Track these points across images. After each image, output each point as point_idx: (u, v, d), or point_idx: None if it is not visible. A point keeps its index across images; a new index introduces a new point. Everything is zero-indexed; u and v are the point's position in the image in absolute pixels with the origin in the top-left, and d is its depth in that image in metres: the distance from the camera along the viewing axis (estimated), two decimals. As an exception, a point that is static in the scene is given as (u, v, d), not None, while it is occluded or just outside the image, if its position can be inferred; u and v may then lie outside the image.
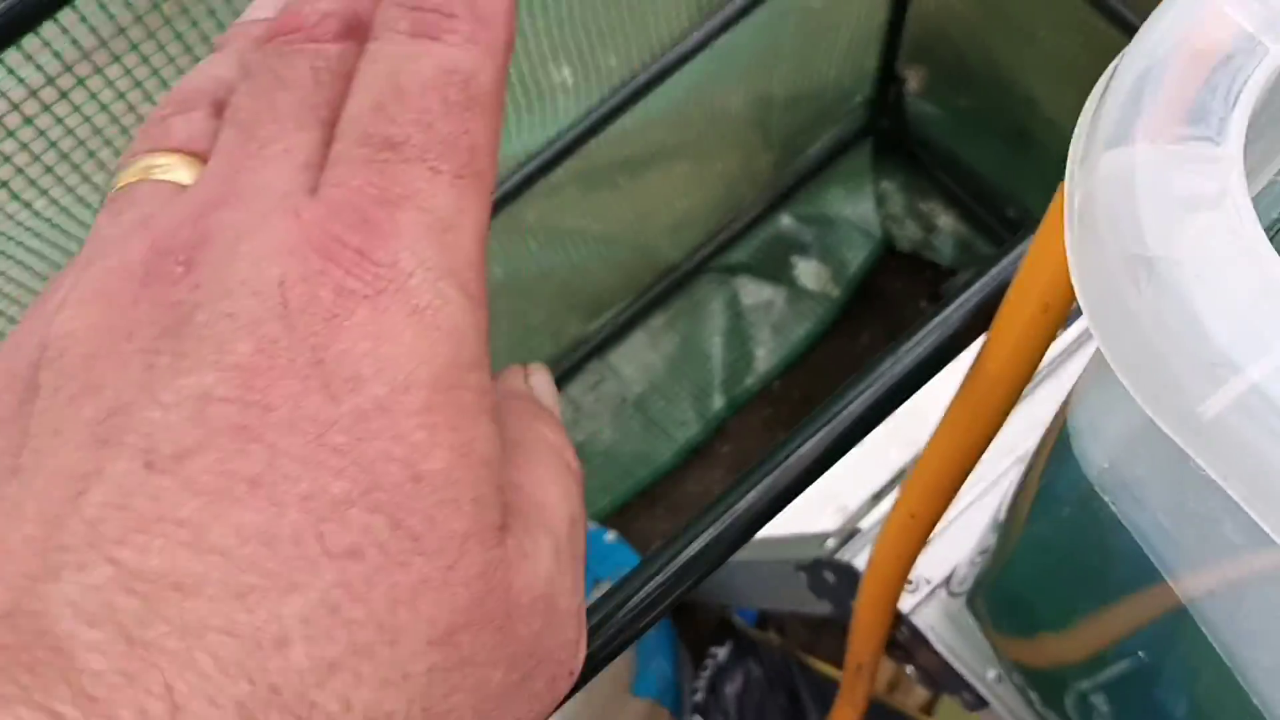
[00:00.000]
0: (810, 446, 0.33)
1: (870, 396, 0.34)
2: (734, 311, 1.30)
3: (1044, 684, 0.46)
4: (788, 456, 0.33)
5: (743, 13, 0.83)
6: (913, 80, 1.24)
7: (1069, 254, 0.18)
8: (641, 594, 0.32)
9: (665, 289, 1.29)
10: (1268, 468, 0.15)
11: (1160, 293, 0.16)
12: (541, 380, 0.25)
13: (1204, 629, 0.28)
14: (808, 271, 1.30)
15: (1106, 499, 0.27)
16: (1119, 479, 0.26)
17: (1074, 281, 0.17)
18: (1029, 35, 1.03)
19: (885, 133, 1.29)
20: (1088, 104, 0.18)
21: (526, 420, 0.23)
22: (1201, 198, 0.16)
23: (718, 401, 1.26)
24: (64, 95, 0.66)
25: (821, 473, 0.34)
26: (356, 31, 0.20)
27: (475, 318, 0.19)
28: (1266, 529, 0.15)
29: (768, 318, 1.30)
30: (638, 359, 1.29)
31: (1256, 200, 0.30)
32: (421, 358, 0.17)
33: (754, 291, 1.31)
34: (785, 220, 1.32)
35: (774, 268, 1.31)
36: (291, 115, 0.19)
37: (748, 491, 0.33)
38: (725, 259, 1.31)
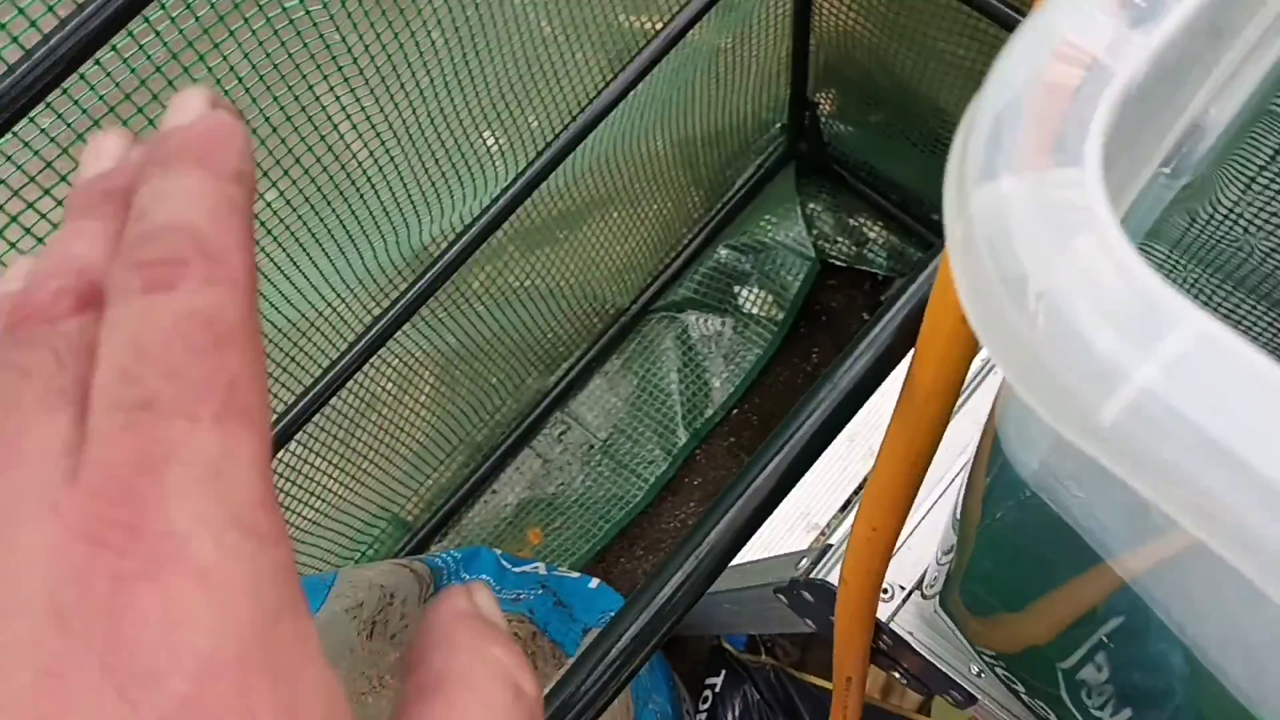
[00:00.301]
0: (767, 475, 0.36)
1: (815, 421, 0.36)
2: (685, 346, 1.33)
3: (1030, 671, 0.46)
4: (748, 487, 0.35)
5: (653, 62, 0.86)
6: (825, 104, 1.28)
7: (958, 283, 0.20)
8: (628, 636, 0.34)
9: (617, 333, 1.32)
10: (1168, 465, 0.17)
11: (1044, 313, 0.18)
12: (485, 597, 0.23)
13: (1155, 609, 0.30)
14: (750, 298, 1.34)
15: (1043, 496, 0.29)
16: (1051, 477, 0.29)
17: (965, 308, 0.19)
18: (927, 47, 1.07)
19: (806, 156, 1.33)
20: (955, 141, 0.20)
21: (474, 644, 0.21)
22: (1069, 222, 0.18)
23: (682, 436, 1.29)
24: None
25: (781, 498, 0.36)
26: (94, 300, 0.19)
27: (273, 558, 0.17)
28: (1180, 521, 0.18)
29: (718, 348, 1.33)
30: (599, 405, 1.31)
31: (1131, 211, 0.33)
32: (220, 629, 0.16)
33: (702, 325, 1.34)
34: (722, 252, 1.35)
35: (718, 299, 1.34)
36: (39, 404, 0.18)
37: (716, 524, 0.35)
38: (670, 297, 1.34)
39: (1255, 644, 0.28)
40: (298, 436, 0.94)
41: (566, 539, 1.24)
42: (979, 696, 0.57)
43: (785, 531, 0.87)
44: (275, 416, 0.82)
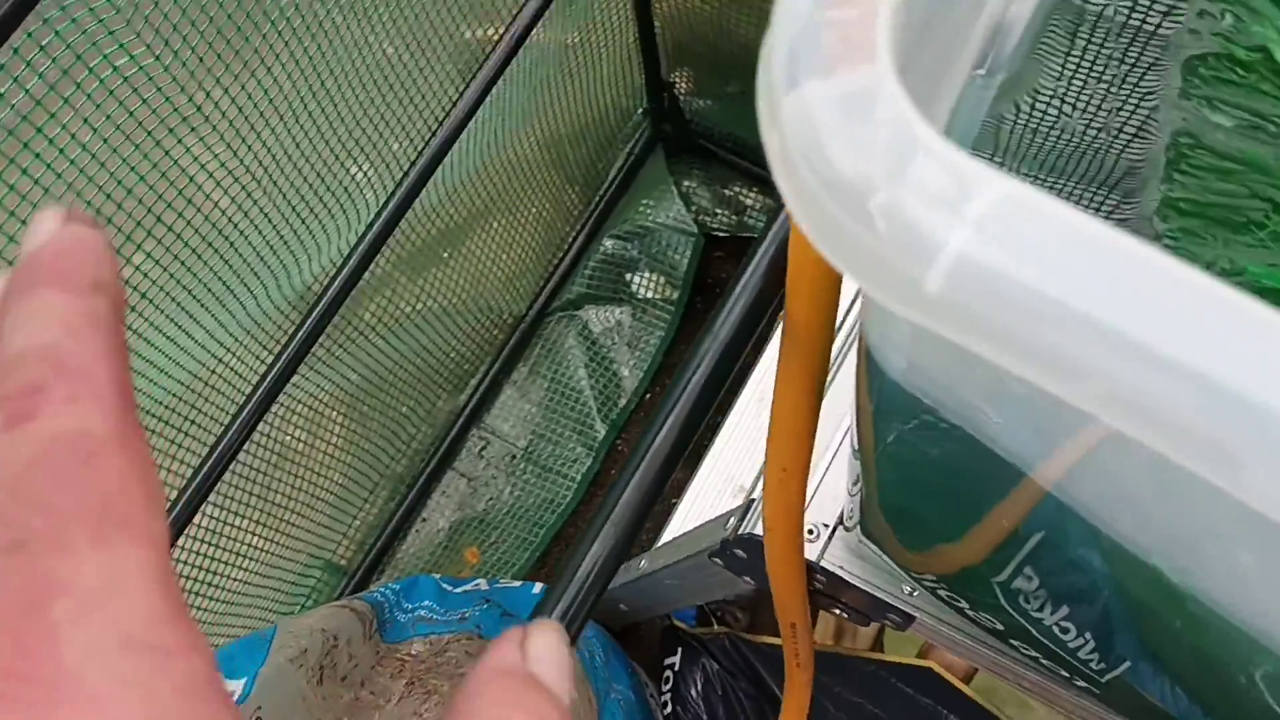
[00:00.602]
0: (665, 433, 0.37)
1: (703, 374, 0.37)
2: (589, 341, 1.33)
3: (969, 588, 0.47)
4: (648, 449, 0.36)
5: (500, 69, 0.87)
6: (681, 83, 1.30)
7: (783, 194, 0.21)
8: (555, 616, 0.35)
9: (519, 341, 1.32)
10: (997, 322, 0.18)
11: (859, 201, 0.19)
12: (542, 644, 0.21)
13: (1076, 510, 0.31)
14: (643, 283, 1.35)
15: (919, 395, 0.31)
16: (921, 375, 0.30)
17: (793, 216, 0.20)
18: (763, 9, 1.10)
19: (672, 137, 1.35)
20: (760, 60, 0.21)
21: (497, 709, 0.20)
22: (869, 114, 0.19)
23: (600, 429, 1.30)
24: None
25: (682, 452, 0.37)
26: None
27: (182, 671, 0.17)
28: (1024, 374, 0.19)
29: (621, 337, 1.34)
30: (514, 414, 1.31)
31: (955, 116, 0.35)
32: None
33: (601, 318, 1.35)
34: (608, 243, 1.36)
35: (612, 290, 1.35)
36: None
37: (624, 489, 0.36)
38: (565, 296, 1.35)
39: (1169, 512, 0.29)
40: (212, 499, 0.92)
41: (504, 551, 1.24)
42: (916, 615, 0.59)
43: (715, 498, 0.89)
44: (185, 481, 0.81)
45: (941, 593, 0.51)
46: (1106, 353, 0.18)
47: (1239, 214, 0.30)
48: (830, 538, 0.60)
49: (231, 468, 0.95)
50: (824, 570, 0.60)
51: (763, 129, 0.21)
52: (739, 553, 0.66)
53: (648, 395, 1.34)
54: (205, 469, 0.79)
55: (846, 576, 0.60)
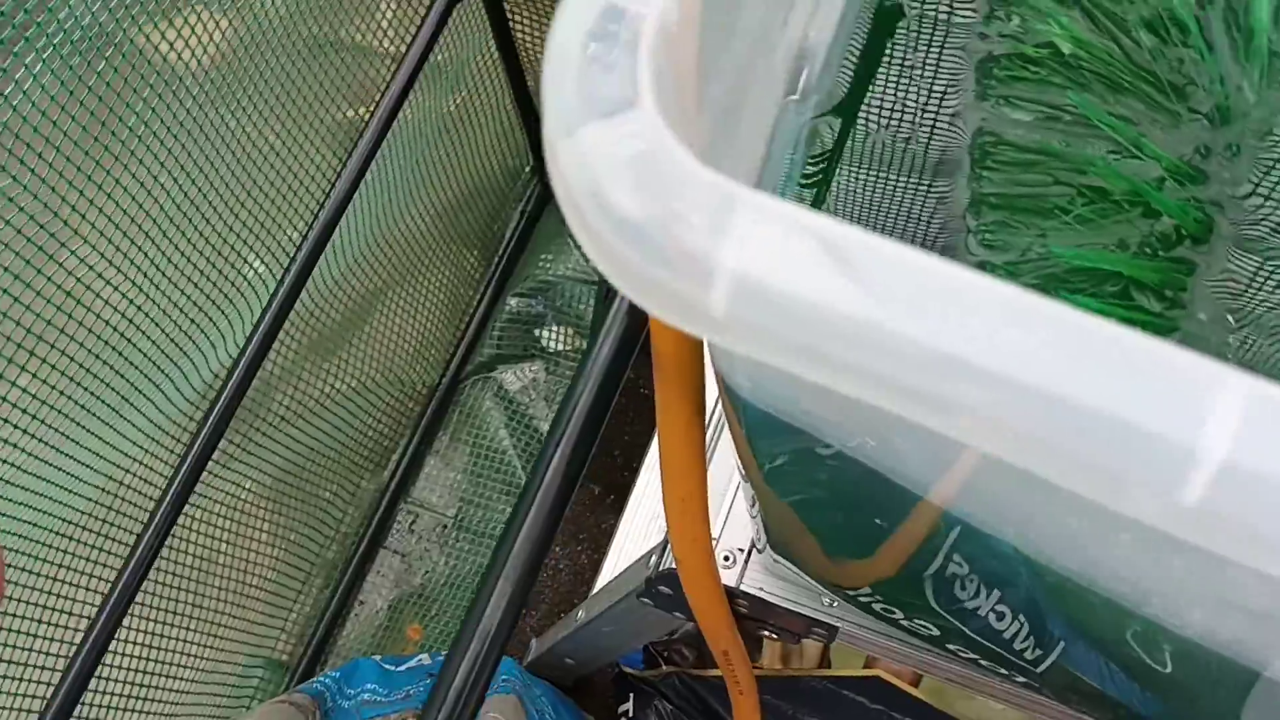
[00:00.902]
0: (551, 474, 0.37)
1: (581, 413, 0.38)
2: (506, 401, 1.34)
3: (900, 591, 0.47)
4: (536, 491, 0.37)
5: (376, 145, 0.87)
6: (562, 135, 1.31)
7: (573, 233, 0.22)
8: (464, 667, 0.35)
9: (436, 410, 1.32)
10: (777, 332, 0.19)
11: (641, 238, 0.20)
12: None
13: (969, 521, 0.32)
14: (552, 337, 1.36)
15: (770, 410, 0.32)
16: (765, 391, 0.31)
17: (587, 253, 0.21)
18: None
19: (563, 189, 1.36)
20: (545, 106, 0.22)
21: None
22: (639, 152, 0.20)
23: (528, 488, 1.29)
24: None
25: (571, 490, 0.38)
26: None
27: None
28: (820, 381, 0.20)
29: (538, 393, 1.34)
30: (440, 484, 1.31)
31: (774, 142, 0.36)
32: None
33: (515, 376, 1.35)
34: (513, 302, 1.37)
35: (522, 347, 1.35)
36: None
37: (517, 533, 0.36)
38: (477, 360, 1.35)
39: (1047, 520, 0.30)
40: (142, 611, 0.90)
41: (446, 623, 1.23)
42: (839, 625, 0.60)
43: (641, 539, 0.89)
44: (103, 596, 0.79)
45: (876, 606, 0.51)
46: (876, 353, 0.19)
47: (1045, 201, 0.32)
48: (747, 561, 0.61)
49: (159, 576, 0.93)
50: (745, 594, 0.61)
51: (550, 174, 0.22)
52: (664, 589, 0.66)
53: (572, 447, 1.34)
54: (124, 579, 0.78)
55: (768, 598, 0.60)
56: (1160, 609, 0.28)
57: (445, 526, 1.29)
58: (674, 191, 0.20)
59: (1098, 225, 0.31)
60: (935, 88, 0.36)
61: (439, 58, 1.02)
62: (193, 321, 0.90)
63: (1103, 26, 0.33)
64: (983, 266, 0.32)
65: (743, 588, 0.60)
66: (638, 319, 0.39)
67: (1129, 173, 0.32)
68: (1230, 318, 0.32)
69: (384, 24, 1.06)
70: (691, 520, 0.50)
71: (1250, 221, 0.32)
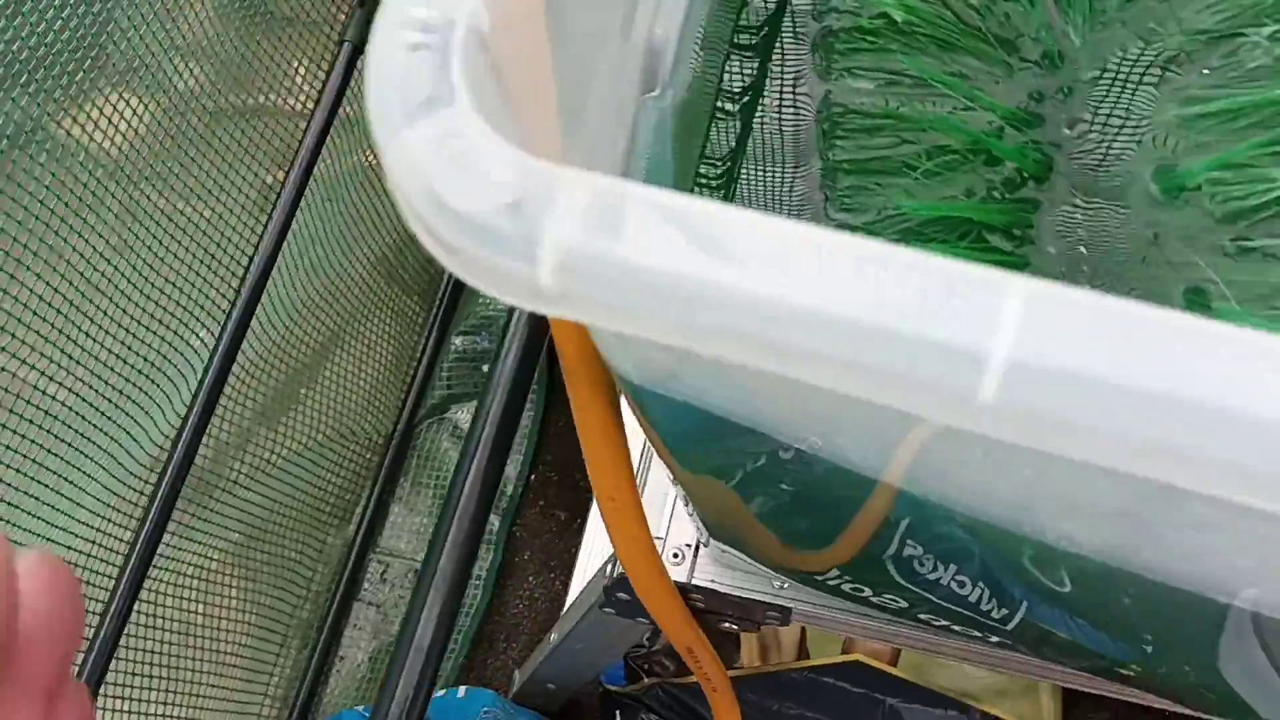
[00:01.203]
0: (467, 493, 0.38)
1: (491, 425, 0.39)
2: (462, 440, 1.34)
3: (866, 571, 0.47)
4: (455, 507, 0.38)
5: (296, 200, 0.88)
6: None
7: (414, 232, 0.23)
8: (402, 686, 0.36)
9: (394, 457, 1.32)
10: (615, 303, 0.20)
11: (468, 227, 0.21)
12: None
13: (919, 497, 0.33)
14: (501, 370, 1.37)
15: (661, 391, 0.33)
16: (649, 372, 0.33)
17: (430, 251, 0.23)
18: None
19: (494, 223, 1.37)
20: (369, 115, 0.24)
21: None
22: (457, 149, 0.21)
23: (494, 522, 1.30)
24: None
25: (489, 504, 0.39)
26: None
27: None
28: (661, 339, 0.21)
29: (494, 428, 1.35)
30: (407, 530, 1.31)
31: (635, 136, 0.37)
32: None
33: (468, 414, 1.36)
34: (458, 341, 1.38)
35: (473, 385, 1.36)
36: None
37: (440, 550, 0.37)
38: (429, 402, 1.36)
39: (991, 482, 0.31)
40: (116, 691, 0.90)
41: (430, 667, 1.23)
42: (792, 606, 0.61)
43: (602, 557, 0.90)
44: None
45: (845, 586, 0.52)
46: (703, 305, 0.20)
47: (894, 162, 0.34)
48: (695, 555, 0.62)
49: (128, 654, 0.93)
50: (698, 589, 0.62)
51: (386, 181, 0.23)
52: (622, 595, 0.67)
53: (532, 477, 1.35)
54: (91, 659, 0.78)
55: (720, 589, 0.61)
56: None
57: (417, 571, 1.29)
58: (493, 178, 0.21)
59: (946, 178, 0.33)
60: (786, 71, 0.38)
61: (349, 110, 1.04)
62: (134, 401, 0.90)
63: (931, -8, 0.35)
64: (842, 229, 0.33)
65: (694, 582, 0.61)
66: (538, 324, 0.40)
67: (969, 125, 0.34)
68: (1082, 248, 0.34)
69: (298, 85, 1.07)
70: (624, 518, 0.51)
71: (1087, 158, 0.34)
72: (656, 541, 0.63)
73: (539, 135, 0.29)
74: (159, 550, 0.82)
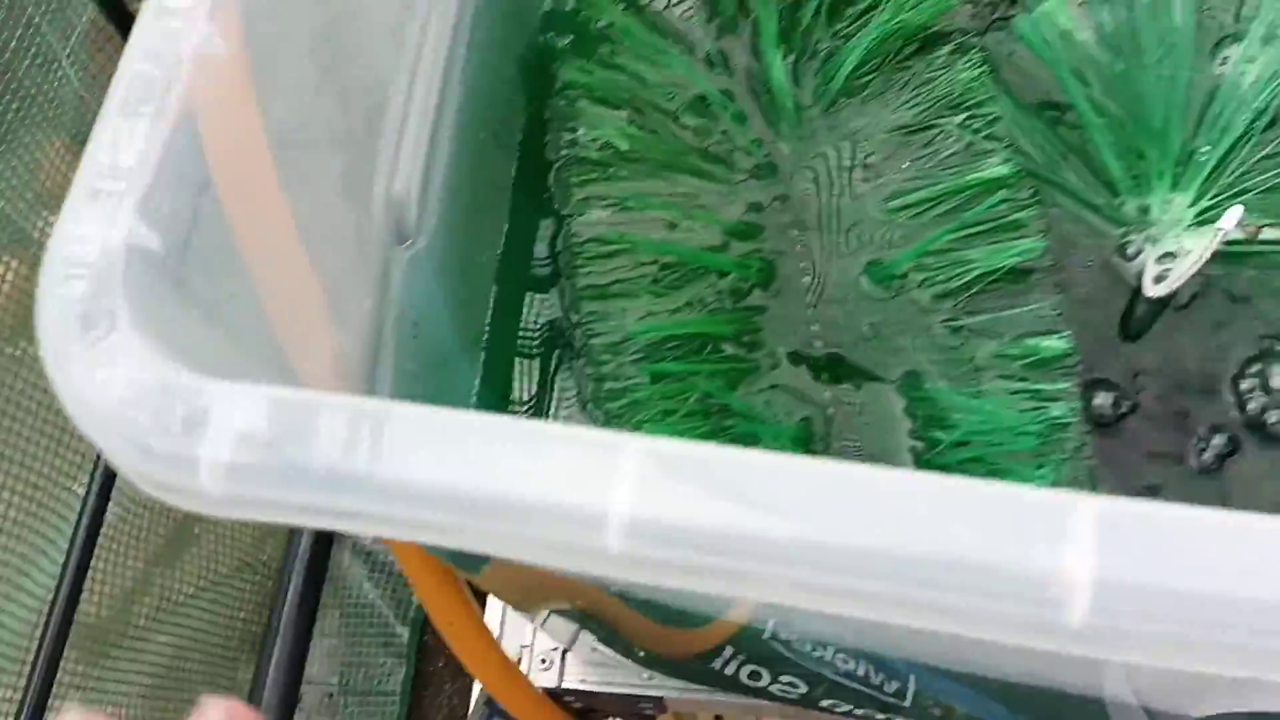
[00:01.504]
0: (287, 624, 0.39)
1: (298, 582, 0.40)
2: (363, 554, 1.33)
3: (754, 648, 0.46)
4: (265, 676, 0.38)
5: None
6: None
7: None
8: None
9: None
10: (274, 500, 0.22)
11: (141, 448, 0.22)
12: None
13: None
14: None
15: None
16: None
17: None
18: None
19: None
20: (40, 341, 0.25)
21: None
22: (122, 376, 0.22)
23: (403, 632, 1.29)
24: None
25: (299, 673, 0.39)
26: None
27: None
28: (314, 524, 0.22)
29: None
30: (317, 654, 1.29)
31: (388, 289, 0.38)
32: None
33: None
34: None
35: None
36: None
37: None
38: (328, 521, 1.34)
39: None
40: None
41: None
42: (663, 695, 0.61)
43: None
44: None
45: (743, 673, 0.49)
46: (351, 495, 0.21)
47: (632, 285, 0.36)
48: (564, 659, 0.62)
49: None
50: (572, 691, 0.62)
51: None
52: (498, 714, 0.67)
53: (441, 581, 1.34)
54: None
55: (591, 688, 0.62)
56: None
57: (331, 695, 1.27)
58: (151, 400, 0.22)
59: (678, 294, 0.35)
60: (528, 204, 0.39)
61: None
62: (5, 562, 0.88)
63: (651, 119, 0.37)
64: (586, 352, 0.35)
65: (564, 685, 0.61)
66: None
67: (694, 243, 0.35)
68: (818, 343, 0.36)
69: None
70: (470, 639, 0.52)
71: (807, 261, 0.36)
72: (524, 650, 0.63)
73: (288, 307, 0.30)
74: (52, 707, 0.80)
